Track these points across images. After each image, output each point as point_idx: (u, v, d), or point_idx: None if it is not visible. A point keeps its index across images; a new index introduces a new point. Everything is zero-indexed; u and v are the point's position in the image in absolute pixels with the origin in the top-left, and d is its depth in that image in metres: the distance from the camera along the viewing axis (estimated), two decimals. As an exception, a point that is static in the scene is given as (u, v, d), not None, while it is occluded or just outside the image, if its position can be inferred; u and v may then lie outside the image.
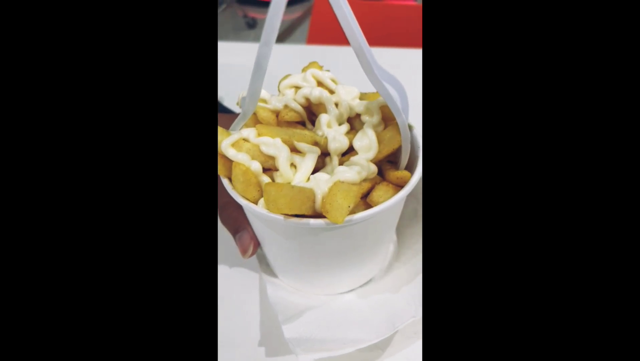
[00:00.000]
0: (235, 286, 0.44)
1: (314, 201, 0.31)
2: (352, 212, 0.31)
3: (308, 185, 0.32)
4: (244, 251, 0.39)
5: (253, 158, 0.33)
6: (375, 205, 0.32)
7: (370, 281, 0.42)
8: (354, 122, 0.37)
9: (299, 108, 0.37)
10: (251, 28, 2.70)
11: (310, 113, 0.38)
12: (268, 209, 0.30)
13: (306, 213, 0.31)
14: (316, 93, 0.36)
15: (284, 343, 0.36)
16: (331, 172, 0.34)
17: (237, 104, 0.41)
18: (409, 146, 0.35)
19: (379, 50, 0.94)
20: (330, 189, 0.31)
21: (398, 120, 0.32)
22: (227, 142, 0.33)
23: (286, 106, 0.37)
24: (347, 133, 0.36)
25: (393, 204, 0.32)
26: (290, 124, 0.37)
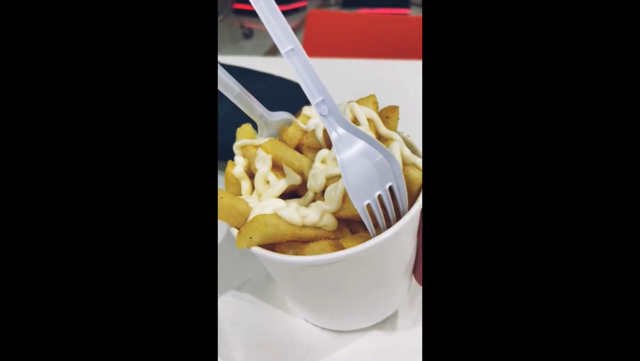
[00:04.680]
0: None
1: (246, 219, 0.35)
2: (299, 253, 0.33)
3: (258, 205, 0.35)
4: None
5: (250, 164, 0.38)
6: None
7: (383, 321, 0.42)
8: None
9: (320, 137, 0.38)
10: (248, 38, 2.86)
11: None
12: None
13: (235, 226, 0.35)
14: (320, 132, 0.37)
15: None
16: (303, 204, 0.36)
17: None
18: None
19: (379, 62, 0.91)
20: (256, 216, 0.33)
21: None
22: (238, 144, 0.39)
23: (312, 131, 0.39)
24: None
25: (323, 260, 0.31)
26: (310, 148, 0.39)
